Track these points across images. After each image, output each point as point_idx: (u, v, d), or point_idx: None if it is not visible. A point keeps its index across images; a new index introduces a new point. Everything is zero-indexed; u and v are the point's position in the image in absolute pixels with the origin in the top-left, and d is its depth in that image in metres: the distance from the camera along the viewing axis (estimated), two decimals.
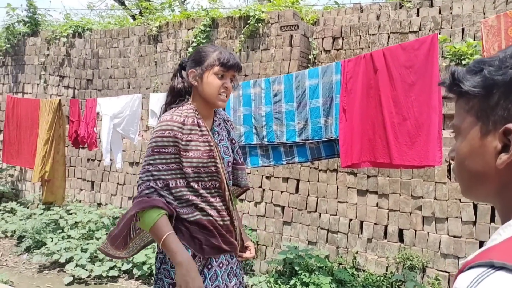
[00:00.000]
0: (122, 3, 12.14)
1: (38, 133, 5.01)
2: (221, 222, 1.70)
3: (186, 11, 5.81)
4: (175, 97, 1.76)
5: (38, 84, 6.60)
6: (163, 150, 1.63)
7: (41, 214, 5.38)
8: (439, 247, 3.53)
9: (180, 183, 1.65)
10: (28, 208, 6.05)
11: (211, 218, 1.67)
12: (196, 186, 1.66)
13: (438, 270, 3.52)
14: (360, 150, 2.87)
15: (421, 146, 2.62)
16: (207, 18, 5.22)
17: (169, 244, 1.52)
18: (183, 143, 1.64)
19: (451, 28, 4.14)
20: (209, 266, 1.69)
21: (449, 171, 3.56)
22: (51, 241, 4.67)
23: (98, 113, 4.65)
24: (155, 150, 1.63)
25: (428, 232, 3.60)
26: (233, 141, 1.91)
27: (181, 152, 1.63)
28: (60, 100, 4.98)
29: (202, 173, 1.66)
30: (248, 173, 4.62)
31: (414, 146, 2.65)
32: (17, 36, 6.81)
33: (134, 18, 8.02)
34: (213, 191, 1.70)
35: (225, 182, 1.72)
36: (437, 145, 2.55)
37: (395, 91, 2.73)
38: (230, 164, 1.84)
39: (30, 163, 5.05)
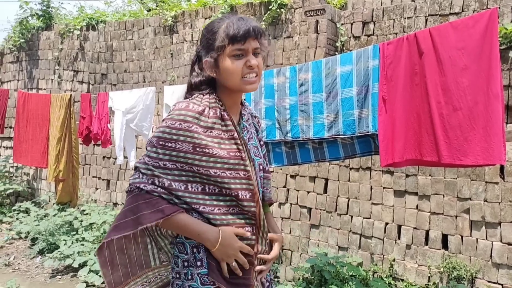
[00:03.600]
0: None
1: (48, 130, 4.78)
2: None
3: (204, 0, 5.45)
4: (195, 92, 1.40)
5: (52, 80, 6.40)
6: (169, 145, 1.27)
7: (54, 215, 5.17)
8: (491, 256, 3.10)
9: (192, 187, 1.30)
10: (42, 208, 5.86)
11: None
12: (216, 191, 1.31)
13: (489, 281, 3.09)
14: (403, 146, 2.46)
15: (477, 142, 2.20)
16: (225, 5, 4.87)
17: (185, 225, 1.29)
18: (202, 137, 1.28)
19: (499, 7, 3.66)
20: None
21: (501, 169, 3.11)
22: (65, 244, 4.44)
23: (110, 108, 4.36)
24: (160, 143, 1.28)
25: (477, 239, 3.17)
26: (262, 142, 1.55)
27: (197, 149, 1.27)
28: (71, 95, 4.74)
29: (229, 177, 1.30)
30: (271, 172, 4.27)
31: (467, 142, 2.23)
32: (31, 31, 6.61)
33: (149, 11, 7.74)
34: (240, 203, 1.32)
35: (256, 190, 1.36)
36: (501, 140, 2.13)
37: (444, 77, 2.31)
38: (261, 167, 1.48)
39: (38, 161, 4.83)
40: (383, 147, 2.46)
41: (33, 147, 4.91)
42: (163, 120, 1.33)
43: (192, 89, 1.40)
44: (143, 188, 1.27)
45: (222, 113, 1.35)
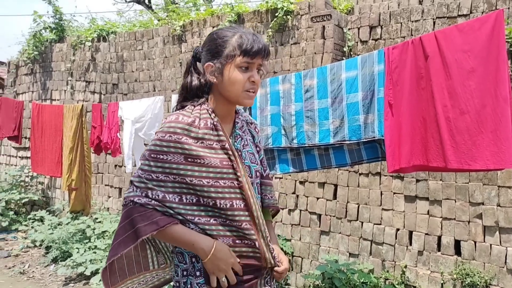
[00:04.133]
0: (149, 7, 12.11)
1: (61, 140, 4.88)
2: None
3: (212, 9, 5.51)
4: (190, 97, 1.40)
5: (65, 91, 6.53)
6: (161, 157, 1.29)
7: (68, 223, 5.25)
8: (505, 262, 3.02)
9: (186, 199, 1.31)
10: (56, 216, 5.96)
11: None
12: (211, 204, 1.30)
13: None
14: (409, 152, 2.42)
15: (485, 146, 2.15)
16: (232, 13, 4.91)
17: (180, 236, 1.29)
18: (193, 148, 1.29)
19: (508, 8, 3.61)
20: None
21: None
22: (77, 252, 4.50)
23: (120, 118, 4.42)
24: (152, 156, 1.30)
25: (490, 244, 3.10)
26: (258, 148, 1.54)
27: (189, 160, 1.28)
28: (83, 105, 4.82)
29: (222, 187, 1.30)
30: (280, 178, 4.26)
31: (475, 146, 2.18)
32: (44, 43, 6.77)
33: (160, 21, 7.86)
34: (236, 213, 1.32)
35: (251, 199, 1.35)
36: (511, 143, 2.08)
37: (450, 80, 2.26)
38: (258, 174, 1.47)
39: (53, 171, 4.94)
40: (389, 152, 2.43)
41: (48, 157, 5.03)
42: (155, 133, 1.34)
43: (187, 92, 1.40)
44: (137, 201, 1.29)
45: (215, 123, 1.35)
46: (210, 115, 1.36)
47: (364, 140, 2.50)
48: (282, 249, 4.04)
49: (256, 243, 1.34)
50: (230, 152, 1.34)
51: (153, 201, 1.29)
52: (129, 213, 1.30)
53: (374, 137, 2.46)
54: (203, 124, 1.33)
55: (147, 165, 1.31)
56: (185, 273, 1.36)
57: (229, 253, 1.30)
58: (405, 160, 2.42)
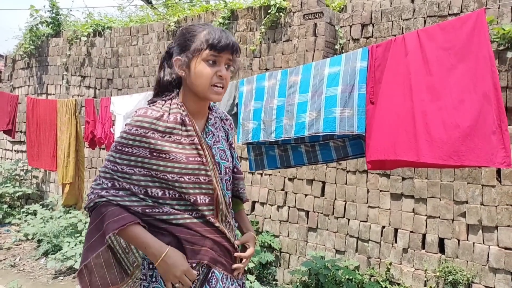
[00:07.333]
0: (149, 2, 12.11)
1: (56, 135, 4.91)
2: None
3: (206, 5, 5.52)
4: (163, 91, 1.43)
5: (61, 85, 6.55)
6: (126, 149, 1.31)
7: (59, 217, 5.28)
8: (487, 260, 3.04)
9: (152, 192, 1.32)
10: (48, 209, 5.99)
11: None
12: (176, 196, 1.34)
13: (486, 286, 3.04)
14: (388, 147, 2.43)
15: (461, 141, 2.10)
16: (225, 10, 4.92)
17: (136, 237, 1.30)
18: (159, 142, 1.31)
19: (499, 8, 3.61)
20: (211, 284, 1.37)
21: (498, 172, 3.05)
22: (68, 246, 4.53)
23: (112, 113, 4.44)
24: (118, 148, 1.33)
25: (473, 243, 3.12)
26: (232, 145, 1.57)
27: (154, 154, 1.30)
28: (76, 100, 4.84)
29: (187, 182, 1.32)
30: (269, 175, 4.28)
31: (450, 140, 2.14)
32: (41, 37, 6.79)
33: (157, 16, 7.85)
34: (200, 208, 1.34)
35: (219, 194, 1.38)
36: (495, 141, 2.06)
37: (430, 76, 2.26)
38: (228, 170, 1.48)
39: (50, 165, 4.97)
40: (368, 149, 2.45)
41: (45, 151, 5.06)
42: (124, 125, 1.36)
43: (160, 86, 1.43)
44: (104, 195, 1.31)
45: (184, 118, 1.36)
46: (179, 109, 1.37)
47: (339, 133, 2.47)
48: (270, 245, 4.07)
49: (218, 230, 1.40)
50: (199, 147, 1.35)
51: (120, 192, 1.31)
52: (97, 213, 1.32)
53: (352, 132, 2.45)
54: (172, 119, 1.35)
55: (113, 157, 1.34)
56: (151, 266, 1.38)
57: (181, 261, 1.29)
58: (383, 155, 2.42)
